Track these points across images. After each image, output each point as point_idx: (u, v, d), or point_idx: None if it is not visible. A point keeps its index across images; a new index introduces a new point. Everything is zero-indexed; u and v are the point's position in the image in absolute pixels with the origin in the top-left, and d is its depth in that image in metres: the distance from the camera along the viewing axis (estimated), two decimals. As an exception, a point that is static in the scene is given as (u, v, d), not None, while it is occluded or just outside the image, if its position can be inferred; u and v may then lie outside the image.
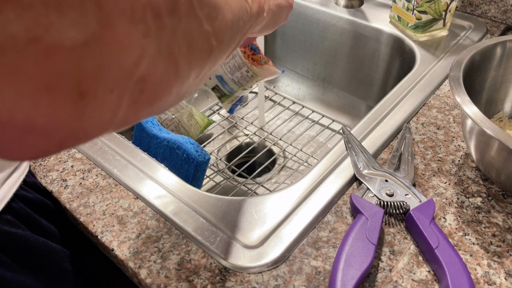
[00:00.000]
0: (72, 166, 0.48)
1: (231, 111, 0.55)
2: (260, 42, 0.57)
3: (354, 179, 0.45)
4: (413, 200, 0.40)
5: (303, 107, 0.84)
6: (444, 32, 0.69)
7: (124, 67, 0.16)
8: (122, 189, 0.45)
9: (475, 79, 0.46)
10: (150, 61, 0.17)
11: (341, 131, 0.66)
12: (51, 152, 0.16)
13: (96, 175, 0.47)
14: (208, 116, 0.82)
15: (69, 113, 0.15)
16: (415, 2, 0.64)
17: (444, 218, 0.41)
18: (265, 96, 0.88)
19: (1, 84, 0.13)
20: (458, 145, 0.48)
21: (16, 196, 0.41)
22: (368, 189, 0.42)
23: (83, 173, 0.47)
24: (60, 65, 0.14)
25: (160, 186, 0.45)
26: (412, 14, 0.66)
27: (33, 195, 0.44)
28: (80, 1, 0.14)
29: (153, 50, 0.17)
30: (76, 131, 0.16)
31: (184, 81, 0.21)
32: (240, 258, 0.37)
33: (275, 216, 0.41)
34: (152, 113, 0.20)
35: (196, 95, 0.85)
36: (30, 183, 0.45)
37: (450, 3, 0.64)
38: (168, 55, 0.19)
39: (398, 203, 0.40)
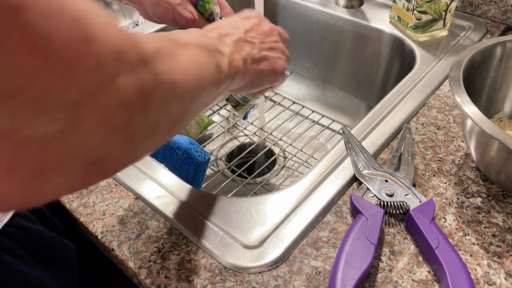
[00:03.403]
0: (72, 166, 0.48)
1: (245, 117, 0.57)
2: None
3: (354, 179, 0.45)
4: (413, 200, 0.40)
5: (303, 107, 0.84)
6: (444, 32, 0.69)
7: (82, 154, 0.17)
8: (122, 189, 0.45)
9: (475, 79, 0.46)
10: (109, 148, 0.18)
11: (341, 131, 0.66)
12: None
13: (96, 175, 0.47)
14: (208, 116, 0.81)
15: (21, 191, 0.16)
16: (415, 2, 0.64)
17: (444, 218, 0.41)
18: (265, 96, 0.88)
19: None
20: (458, 145, 0.48)
21: None
22: (368, 189, 0.42)
23: (83, 173, 0.47)
24: (26, 153, 0.15)
25: (160, 186, 0.45)
26: (412, 14, 0.66)
27: None
28: (60, 104, 0.15)
29: (115, 140, 0.19)
30: (27, 202, 0.17)
31: (141, 156, 0.22)
32: (240, 258, 0.37)
33: (275, 216, 0.41)
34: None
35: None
36: None
37: (450, 3, 0.64)
38: (129, 142, 0.20)
39: (398, 203, 0.40)
